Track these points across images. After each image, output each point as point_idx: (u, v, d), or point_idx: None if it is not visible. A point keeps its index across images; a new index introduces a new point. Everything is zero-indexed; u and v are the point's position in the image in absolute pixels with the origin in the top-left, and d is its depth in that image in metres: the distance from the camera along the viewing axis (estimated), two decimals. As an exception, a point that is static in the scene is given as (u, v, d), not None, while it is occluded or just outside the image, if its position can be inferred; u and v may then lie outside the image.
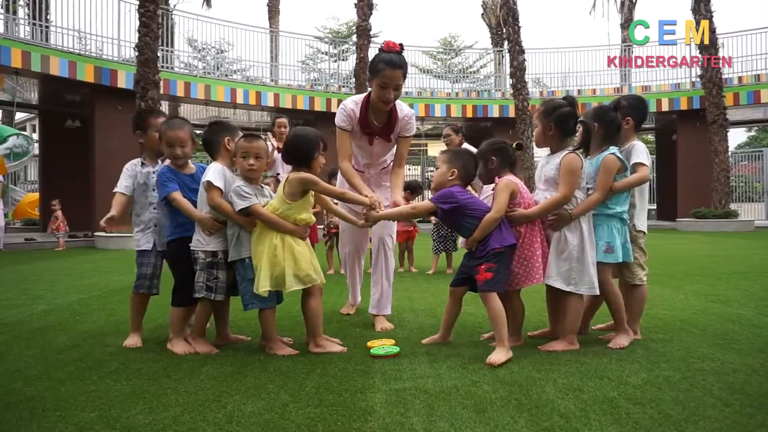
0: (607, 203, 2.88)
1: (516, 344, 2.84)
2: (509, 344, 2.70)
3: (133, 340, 3.02)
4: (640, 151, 2.99)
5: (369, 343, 2.87)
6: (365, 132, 3.35)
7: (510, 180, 2.85)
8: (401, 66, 3.10)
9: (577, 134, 2.89)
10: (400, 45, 3.12)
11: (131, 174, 3.17)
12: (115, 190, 3.15)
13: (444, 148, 5.32)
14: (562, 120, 2.86)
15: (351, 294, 3.96)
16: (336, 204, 3.24)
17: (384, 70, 3.07)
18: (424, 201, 3.07)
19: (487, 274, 2.72)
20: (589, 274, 2.77)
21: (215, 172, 2.83)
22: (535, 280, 2.82)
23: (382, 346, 2.78)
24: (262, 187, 2.94)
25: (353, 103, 3.34)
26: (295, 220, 2.80)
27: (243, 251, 2.82)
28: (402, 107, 3.37)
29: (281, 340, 2.90)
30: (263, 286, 2.70)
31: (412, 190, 6.75)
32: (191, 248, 2.89)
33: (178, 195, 2.92)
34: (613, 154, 2.86)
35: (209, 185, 2.81)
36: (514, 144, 3.01)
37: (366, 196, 3.04)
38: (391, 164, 3.52)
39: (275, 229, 2.77)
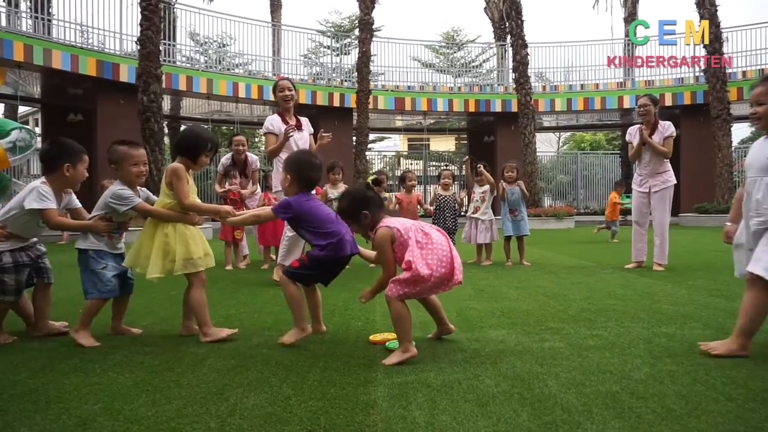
0: None
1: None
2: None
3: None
4: None
5: (371, 337, 2.88)
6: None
7: (386, 229, 2.62)
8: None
9: None
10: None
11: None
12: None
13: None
14: None
15: None
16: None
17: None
18: (267, 208, 3.18)
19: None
20: None
21: (42, 194, 2.90)
22: None
23: (395, 341, 2.76)
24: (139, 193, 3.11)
25: None
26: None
27: (87, 243, 2.97)
28: None
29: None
30: (152, 272, 2.88)
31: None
32: None
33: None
34: None
35: (42, 211, 2.89)
36: (370, 179, 3.03)
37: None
38: None
39: (165, 220, 2.95)
